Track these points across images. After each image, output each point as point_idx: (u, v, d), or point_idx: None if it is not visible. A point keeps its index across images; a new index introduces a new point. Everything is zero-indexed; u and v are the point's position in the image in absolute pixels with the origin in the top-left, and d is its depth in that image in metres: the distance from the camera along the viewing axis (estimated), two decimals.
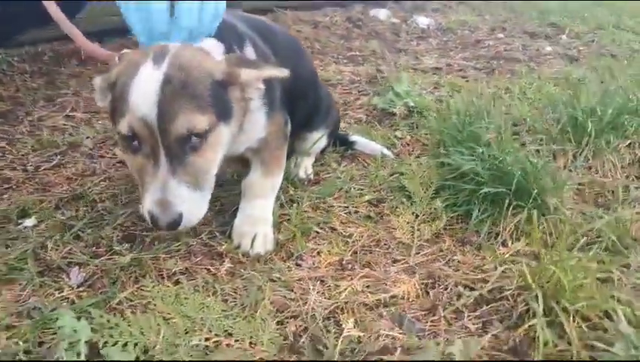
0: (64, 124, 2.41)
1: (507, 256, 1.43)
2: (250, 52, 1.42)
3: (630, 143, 1.97)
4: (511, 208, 1.52)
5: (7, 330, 1.15)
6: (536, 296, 1.18)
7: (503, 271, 1.36)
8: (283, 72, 1.27)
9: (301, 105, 1.65)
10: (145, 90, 1.12)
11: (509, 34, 4.52)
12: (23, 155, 2.08)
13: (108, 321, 1.15)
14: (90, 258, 1.41)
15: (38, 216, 1.60)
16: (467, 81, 3.15)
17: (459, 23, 4.76)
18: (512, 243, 1.48)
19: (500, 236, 1.50)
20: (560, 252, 1.28)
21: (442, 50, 4.02)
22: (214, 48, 1.30)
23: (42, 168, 1.99)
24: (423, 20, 4.72)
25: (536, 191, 1.49)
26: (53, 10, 1.48)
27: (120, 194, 1.75)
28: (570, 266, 1.21)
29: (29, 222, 1.57)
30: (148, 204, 1.16)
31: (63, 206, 1.68)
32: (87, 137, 2.26)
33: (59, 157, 2.08)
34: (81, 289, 1.30)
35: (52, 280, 1.33)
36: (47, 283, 1.32)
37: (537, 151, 1.77)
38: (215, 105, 1.18)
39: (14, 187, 1.84)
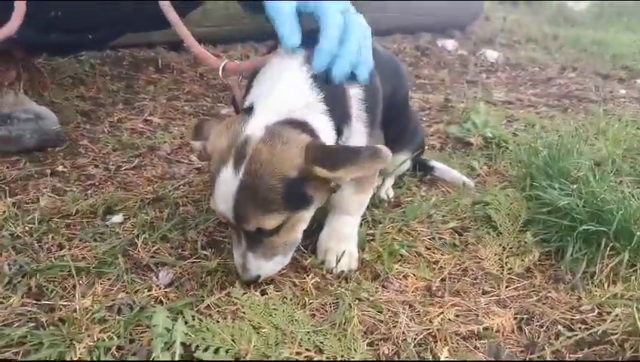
0: (142, 128, 2.45)
1: (605, 298, 1.35)
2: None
3: None
4: (608, 249, 1.45)
5: (100, 324, 1.14)
6: None
7: (601, 314, 1.30)
8: (369, 164, 1.21)
9: (393, 126, 1.62)
10: (223, 193, 1.23)
11: (581, 74, 4.43)
12: (104, 154, 2.12)
13: (200, 324, 1.13)
14: (177, 259, 1.41)
15: (125, 213, 1.61)
16: (541, 117, 3.09)
17: (528, 60, 4.70)
18: (609, 285, 1.41)
19: (596, 277, 1.43)
20: None
21: (512, 85, 3.98)
22: (322, 123, 1.29)
23: (123, 168, 2.01)
24: (491, 54, 4.69)
25: (639, 233, 1.41)
26: (171, 14, 1.50)
27: (201, 199, 1.76)
28: None
29: (116, 218, 1.58)
30: (235, 260, 1.34)
31: (147, 206, 1.69)
32: (165, 142, 2.28)
33: (138, 158, 2.11)
34: (168, 289, 1.29)
35: (140, 277, 1.33)
36: (135, 280, 1.32)
37: (631, 193, 1.69)
38: (288, 202, 1.23)
39: (97, 184, 1.87)
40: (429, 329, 1.22)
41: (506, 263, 1.50)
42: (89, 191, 1.79)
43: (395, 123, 1.67)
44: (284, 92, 1.29)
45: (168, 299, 1.26)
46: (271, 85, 1.31)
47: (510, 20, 6.50)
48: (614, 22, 6.87)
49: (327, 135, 1.29)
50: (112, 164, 2.03)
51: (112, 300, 1.22)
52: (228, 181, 1.21)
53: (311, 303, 1.28)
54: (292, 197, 1.23)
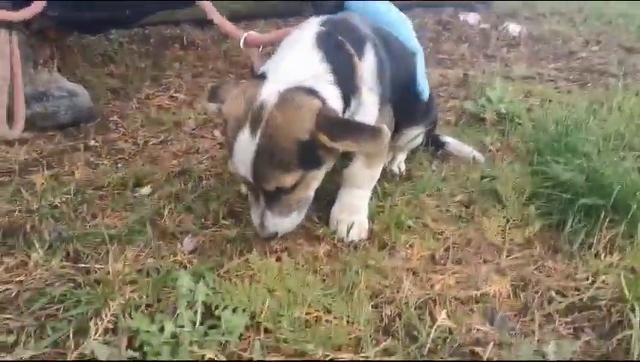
0: (168, 104, 2.57)
1: (600, 267, 1.43)
2: (369, 57, 1.50)
3: None
4: (607, 221, 1.52)
5: (131, 285, 1.27)
6: (633, 308, 1.19)
7: (594, 282, 1.38)
8: (367, 142, 1.32)
9: (405, 101, 1.70)
10: (241, 157, 1.33)
11: (604, 47, 4.39)
12: (132, 130, 2.24)
13: (220, 286, 1.26)
14: (200, 228, 1.53)
15: (152, 186, 1.74)
16: (559, 92, 3.11)
17: (551, 33, 4.67)
18: (606, 256, 1.49)
19: (593, 248, 1.50)
20: None
21: (533, 60, 3.97)
22: (330, 92, 1.38)
23: (151, 143, 2.14)
24: (514, 28, 4.66)
25: (635, 206, 1.48)
26: None
27: (223, 173, 1.87)
28: None
29: (145, 190, 1.71)
30: (253, 220, 1.45)
31: (173, 179, 1.81)
32: (190, 118, 2.40)
33: (165, 134, 2.23)
34: (191, 255, 1.42)
35: (166, 244, 1.46)
36: (162, 246, 1.44)
37: (637, 168, 1.74)
38: (302, 162, 1.34)
39: (127, 158, 1.99)
40: (429, 294, 1.32)
41: (508, 234, 1.58)
42: (119, 165, 1.93)
43: (407, 99, 1.74)
44: (294, 62, 1.41)
45: (191, 264, 1.38)
46: (283, 56, 1.46)
47: None
48: None
49: (334, 103, 1.39)
50: (140, 139, 2.16)
51: (142, 264, 1.35)
52: (246, 145, 1.32)
53: (322, 269, 1.39)
54: (306, 158, 1.34)
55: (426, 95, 1.85)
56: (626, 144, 2.06)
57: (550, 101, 2.86)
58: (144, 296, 1.23)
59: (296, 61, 1.41)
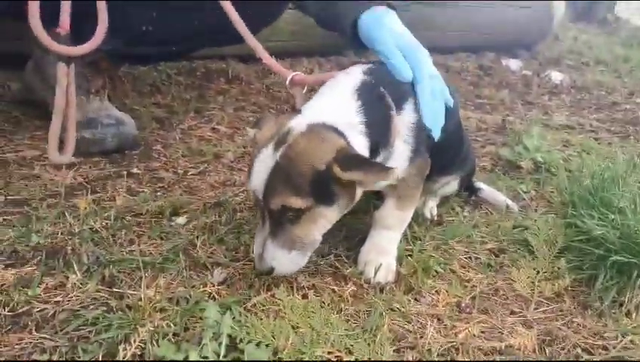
0: (210, 135, 2.65)
1: (630, 327, 1.41)
2: (409, 112, 1.54)
3: None
4: (639, 280, 1.50)
5: (161, 312, 1.31)
6: None
7: (624, 341, 1.36)
8: (379, 176, 1.36)
9: (443, 152, 1.72)
10: (259, 170, 1.37)
11: None
12: (174, 159, 2.32)
13: (245, 320, 1.29)
14: (231, 261, 1.57)
15: (188, 216, 1.79)
16: (599, 143, 3.09)
17: (595, 83, 4.63)
18: (637, 316, 1.46)
19: (624, 306, 1.48)
20: None
21: (575, 109, 3.95)
22: (358, 141, 1.42)
23: (190, 173, 2.21)
24: (556, 76, 4.65)
25: None
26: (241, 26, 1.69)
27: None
28: None
29: (181, 220, 1.76)
30: (254, 250, 1.45)
31: (208, 210, 1.86)
32: (229, 150, 2.47)
33: (204, 165, 2.30)
34: (221, 287, 1.45)
35: (197, 274, 1.50)
36: (193, 276, 1.49)
37: None
38: (314, 191, 1.35)
39: (166, 187, 2.06)
40: (453, 342, 1.32)
41: (537, 286, 1.57)
42: (158, 193, 1.99)
43: (444, 150, 1.76)
44: (331, 105, 1.47)
45: (220, 296, 1.42)
46: (322, 97, 1.52)
47: (581, 41, 6.40)
48: None
49: (360, 149, 1.42)
50: (181, 169, 2.23)
51: (172, 292, 1.39)
52: (265, 161, 1.37)
53: (347, 309, 1.40)
54: (318, 188, 1.35)
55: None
56: None
57: (589, 153, 2.84)
58: (172, 325, 1.27)
59: (333, 104, 1.46)
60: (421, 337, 1.33)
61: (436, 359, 1.25)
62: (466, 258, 1.70)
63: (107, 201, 1.87)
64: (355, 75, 1.54)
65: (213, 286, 1.45)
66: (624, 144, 3.10)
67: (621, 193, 1.86)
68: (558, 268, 1.63)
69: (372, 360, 1.23)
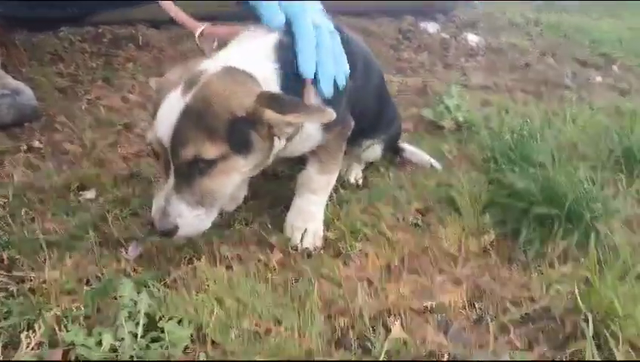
0: (119, 105, 2.48)
1: (554, 277, 1.43)
2: None
3: None
4: (561, 231, 1.52)
5: (69, 294, 1.19)
6: (586, 319, 1.18)
7: (548, 292, 1.37)
8: (316, 117, 1.27)
9: (365, 114, 1.66)
10: (166, 115, 1.21)
11: (560, 60, 4.48)
12: (79, 131, 2.14)
13: (165, 296, 1.19)
14: (147, 235, 1.46)
15: (98, 189, 1.65)
16: (515, 102, 3.15)
17: (509, 45, 4.74)
18: (559, 265, 1.48)
19: (547, 257, 1.50)
20: (612, 279, 1.28)
21: (491, 70, 4.02)
22: (269, 75, 1.32)
23: (99, 145, 2.05)
24: (472, 38, 4.72)
25: (589, 216, 1.49)
26: None
27: None
28: (622, 293, 1.21)
29: (89, 194, 1.62)
30: (153, 209, 1.25)
31: (120, 183, 1.73)
32: (142, 120, 2.31)
33: (114, 136, 2.14)
34: (136, 263, 1.35)
35: (110, 251, 1.38)
36: (104, 254, 1.37)
37: (590, 178, 1.76)
38: (230, 138, 1.21)
39: (72, 160, 1.90)
40: (384, 304, 1.28)
41: (464, 243, 1.56)
42: (64, 168, 1.83)
43: (366, 112, 1.70)
44: (248, 57, 1.33)
45: (136, 272, 1.31)
46: (238, 48, 1.38)
47: (495, 5, 6.53)
48: (596, 7, 6.94)
49: None
50: (88, 141, 2.06)
51: (82, 272, 1.27)
52: (172, 104, 1.20)
53: (274, 278, 1.33)
54: (235, 135, 1.21)
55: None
56: (580, 155, 2.08)
57: (507, 111, 2.89)
58: (82, 307, 1.15)
59: (250, 57, 1.33)
60: (352, 302, 1.28)
61: (368, 323, 1.21)
62: (393, 219, 1.67)
63: (4, 178, 1.70)
64: (271, 34, 1.43)
65: (128, 262, 1.34)
66: (538, 102, 3.18)
67: (538, 147, 1.88)
68: (484, 224, 1.63)
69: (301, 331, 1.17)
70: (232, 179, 1.28)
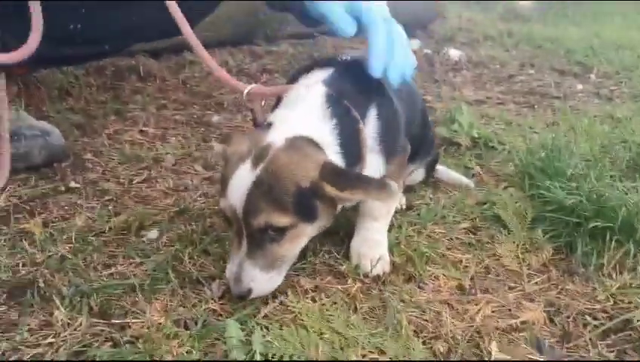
0: (140, 139, 2.47)
1: (614, 288, 1.50)
2: (372, 120, 1.49)
3: None
4: (613, 243, 1.60)
5: (172, 339, 1.19)
6: None
7: (615, 302, 1.44)
8: (374, 193, 1.32)
9: (413, 138, 1.71)
10: (238, 186, 1.28)
11: (539, 70, 4.65)
12: (111, 168, 2.13)
13: (267, 333, 1.21)
14: (222, 272, 1.46)
15: (158, 228, 1.65)
16: (516, 114, 3.25)
17: (489, 57, 4.89)
18: (616, 276, 1.56)
19: (604, 269, 1.57)
20: None
21: (478, 83, 4.14)
22: (327, 137, 1.38)
23: (135, 181, 2.04)
24: (454, 53, 4.84)
25: None
26: (189, 34, 1.56)
27: None
28: None
29: (152, 234, 1.62)
30: (227, 273, 1.33)
31: (176, 220, 1.73)
32: (167, 153, 2.31)
33: (147, 171, 2.13)
34: (222, 301, 1.35)
35: (192, 291, 1.38)
36: (188, 294, 1.37)
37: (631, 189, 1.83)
38: (298, 208, 1.29)
39: (115, 199, 1.89)
40: (472, 325, 1.33)
41: (523, 259, 1.62)
42: (110, 207, 1.82)
43: (413, 137, 1.75)
44: (303, 122, 1.39)
45: (224, 311, 1.32)
46: (291, 110, 1.45)
47: (465, 18, 6.72)
48: (560, 18, 7.22)
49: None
50: (123, 178, 2.05)
51: (179, 315, 1.27)
52: (244, 175, 1.28)
53: (361, 308, 1.36)
54: (301, 205, 1.29)
55: None
56: (602, 165, 2.18)
57: (510, 124, 2.99)
58: (193, 351, 1.16)
59: (305, 121, 1.40)
60: (441, 326, 1.32)
61: (465, 345, 1.25)
62: (447, 239, 1.71)
63: (58, 222, 1.68)
64: (317, 89, 1.45)
65: (215, 301, 1.35)
66: (534, 113, 3.30)
67: (571, 161, 1.97)
68: (536, 240, 1.69)
69: (407, 359, 1.20)
70: (300, 244, 1.37)
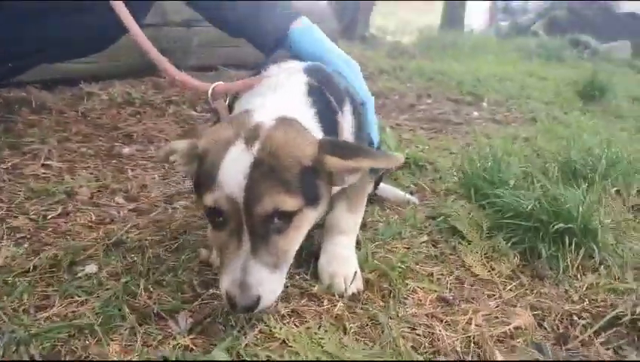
0: (45, 173, 2.18)
1: (585, 287, 1.49)
2: (348, 115, 1.44)
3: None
4: (573, 245, 1.60)
5: None
6: None
7: (591, 301, 1.43)
8: (383, 161, 1.25)
9: None
10: (233, 171, 1.11)
11: (435, 99, 4.84)
12: (18, 204, 1.84)
13: None
14: (183, 303, 1.27)
15: (96, 262, 1.42)
16: (430, 138, 3.32)
17: (388, 89, 5.02)
18: (581, 277, 1.55)
19: (569, 271, 1.56)
20: None
21: (383, 112, 4.21)
22: (311, 122, 1.29)
23: (50, 216, 1.77)
24: None
25: (600, 227, 1.59)
26: (139, 35, 1.39)
27: (164, 240, 1.61)
28: None
29: (90, 268, 1.38)
30: (226, 284, 1.12)
31: (111, 253, 1.50)
32: (81, 186, 2.05)
33: (61, 205, 1.87)
34: (192, 336, 1.16)
35: (155, 328, 1.18)
36: (150, 331, 1.16)
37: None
38: (303, 190, 1.15)
39: (29, 236, 1.62)
40: (468, 336, 1.24)
41: (491, 268, 1.58)
42: (25, 245, 1.55)
43: None
44: (286, 106, 1.29)
45: (197, 346, 1.13)
46: (268, 98, 1.33)
47: (354, 55, 6.89)
48: (440, 54, 7.65)
49: None
50: (34, 213, 1.78)
51: (146, 355, 1.06)
52: (239, 159, 1.12)
53: (350, 328, 1.23)
54: (307, 186, 1.15)
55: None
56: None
57: (428, 146, 3.02)
58: None
59: (288, 106, 1.29)
60: (437, 339, 1.22)
61: (470, 359, 1.16)
62: (412, 253, 1.64)
63: None
64: (299, 77, 1.39)
65: (184, 336, 1.15)
66: (446, 136, 3.39)
67: (512, 172, 2.00)
68: (499, 248, 1.66)
69: None
70: (303, 234, 1.23)
